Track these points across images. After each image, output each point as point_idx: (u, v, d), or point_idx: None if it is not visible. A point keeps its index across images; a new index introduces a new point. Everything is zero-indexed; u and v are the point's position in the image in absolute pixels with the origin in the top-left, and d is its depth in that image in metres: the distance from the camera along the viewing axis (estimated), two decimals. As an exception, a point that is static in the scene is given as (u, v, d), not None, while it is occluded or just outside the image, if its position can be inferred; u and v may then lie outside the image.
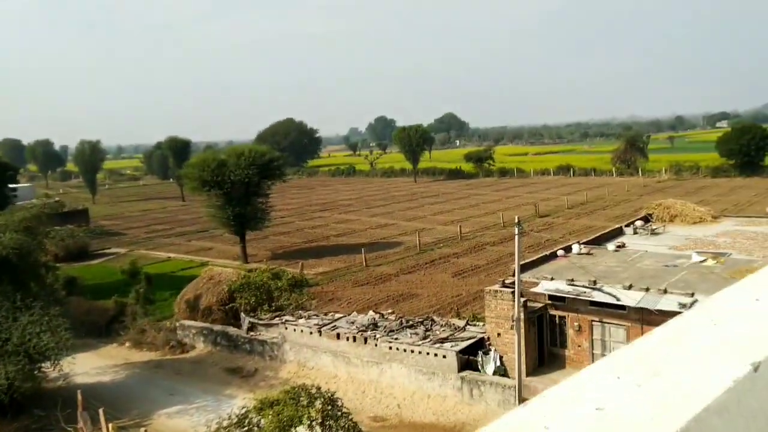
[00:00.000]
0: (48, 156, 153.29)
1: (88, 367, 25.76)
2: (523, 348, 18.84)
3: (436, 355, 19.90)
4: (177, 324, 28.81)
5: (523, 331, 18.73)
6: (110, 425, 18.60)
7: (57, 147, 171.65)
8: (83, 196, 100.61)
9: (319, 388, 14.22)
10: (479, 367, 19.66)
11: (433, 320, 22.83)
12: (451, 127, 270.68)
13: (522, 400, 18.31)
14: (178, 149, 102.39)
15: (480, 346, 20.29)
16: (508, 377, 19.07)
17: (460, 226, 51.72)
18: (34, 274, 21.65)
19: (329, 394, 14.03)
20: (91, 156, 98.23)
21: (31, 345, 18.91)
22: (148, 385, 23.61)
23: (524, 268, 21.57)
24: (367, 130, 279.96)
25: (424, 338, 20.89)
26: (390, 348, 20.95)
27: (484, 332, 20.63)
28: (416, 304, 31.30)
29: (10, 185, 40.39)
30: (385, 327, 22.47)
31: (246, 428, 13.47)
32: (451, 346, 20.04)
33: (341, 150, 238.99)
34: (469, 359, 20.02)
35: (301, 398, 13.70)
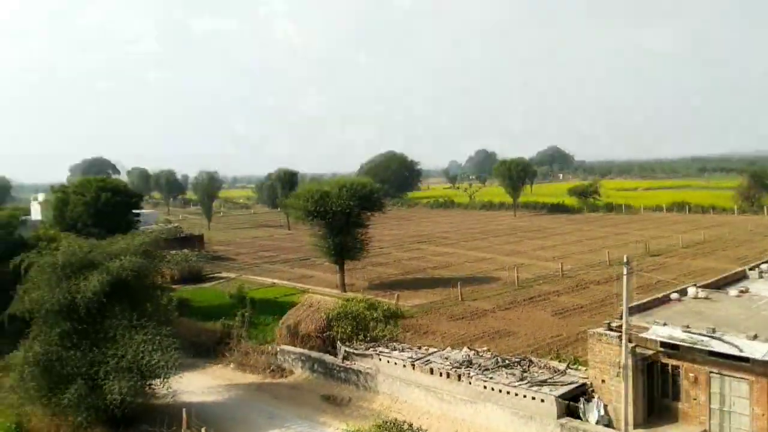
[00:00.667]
0: (170, 184, 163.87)
1: (195, 386, 26.96)
2: (631, 398, 17.80)
3: (533, 398, 19.18)
4: (278, 349, 29.60)
5: (630, 379, 17.72)
6: (211, 445, 19.28)
7: (179, 176, 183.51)
8: (200, 222, 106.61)
9: (411, 425, 14.07)
10: (581, 414, 18.73)
11: (530, 361, 22.09)
12: (554, 160, 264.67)
13: (626, 452, 17.25)
14: (286, 180, 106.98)
15: (582, 392, 19.36)
16: (613, 428, 18.03)
17: (562, 263, 50.09)
18: (149, 296, 23.01)
19: (421, 432, 13.85)
20: (208, 185, 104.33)
21: (143, 362, 20.04)
22: (249, 407, 24.31)
23: (633, 310, 20.48)
24: (467, 163, 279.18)
25: (521, 379, 20.22)
26: (485, 387, 20.43)
27: (587, 378, 19.69)
28: (513, 342, 30.45)
29: (135, 210, 43.35)
30: (480, 365, 21.98)
31: (338, 460, 13.52)
32: (551, 390, 19.25)
33: (441, 182, 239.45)
34: (569, 405, 19.14)
35: (393, 434, 13.61)
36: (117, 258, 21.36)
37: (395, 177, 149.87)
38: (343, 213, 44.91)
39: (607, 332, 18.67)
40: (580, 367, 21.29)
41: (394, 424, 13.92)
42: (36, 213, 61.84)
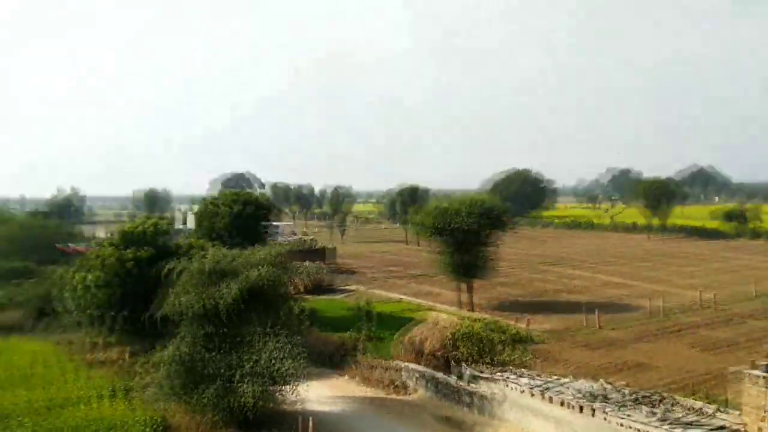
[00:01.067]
0: (308, 198, 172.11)
1: (319, 395, 27.65)
2: (790, 450, 15.87)
3: (675, 440, 17.65)
4: (401, 365, 29.67)
5: (790, 429, 15.82)
6: (335, 456, 19.62)
7: (316, 191, 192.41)
8: (333, 235, 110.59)
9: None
10: (730, 463, 16.99)
11: (673, 400, 20.39)
12: (708, 181, 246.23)
13: None
14: (411, 196, 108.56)
15: (732, 438, 17.56)
16: (768, 482, 16.14)
17: (715, 294, 46.13)
18: (282, 305, 24.04)
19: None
20: (342, 200, 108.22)
21: (274, 369, 20.90)
22: (369, 421, 24.51)
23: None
24: (608, 183, 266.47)
25: (663, 420, 18.67)
26: (620, 425, 19.09)
27: (741, 424, 17.81)
28: (652, 377, 28.35)
29: (273, 223, 45.87)
30: (616, 400, 20.60)
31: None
32: (696, 434, 17.63)
33: (577, 202, 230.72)
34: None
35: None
36: (255, 267, 22.52)
37: (528, 195, 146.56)
38: (468, 231, 44.45)
39: (766, 374, 16.79)
40: (730, 411, 19.32)
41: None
42: (190, 222, 67.19)
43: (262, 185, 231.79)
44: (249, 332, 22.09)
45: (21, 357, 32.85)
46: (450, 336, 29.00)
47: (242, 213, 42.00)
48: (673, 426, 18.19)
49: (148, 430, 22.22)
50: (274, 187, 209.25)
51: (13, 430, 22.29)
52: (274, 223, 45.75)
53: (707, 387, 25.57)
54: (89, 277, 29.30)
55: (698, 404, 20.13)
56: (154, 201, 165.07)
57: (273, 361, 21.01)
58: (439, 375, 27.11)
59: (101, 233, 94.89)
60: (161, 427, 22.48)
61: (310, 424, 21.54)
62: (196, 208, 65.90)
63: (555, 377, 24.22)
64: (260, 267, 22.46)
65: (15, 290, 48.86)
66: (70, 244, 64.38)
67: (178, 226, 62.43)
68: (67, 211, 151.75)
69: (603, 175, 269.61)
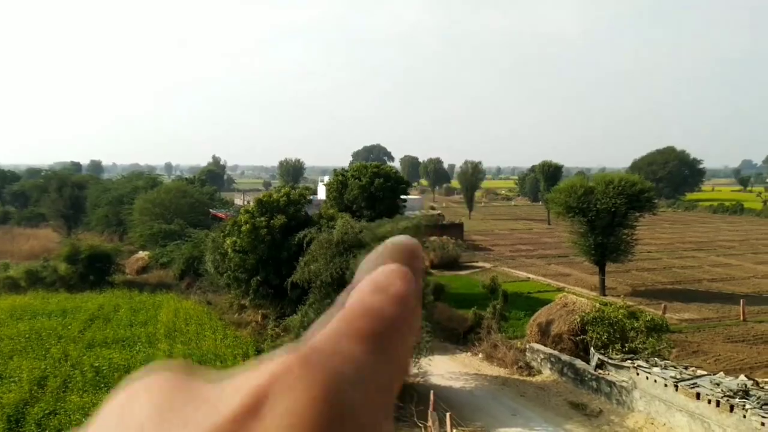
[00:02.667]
0: (437, 173, 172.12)
1: (443, 369, 27.90)
2: None
3: (830, 449, 15.97)
4: (527, 346, 29.14)
5: None
6: (454, 431, 19.75)
7: (446, 165, 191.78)
8: (462, 211, 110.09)
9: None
10: None
11: (830, 404, 18.41)
12: None
13: None
14: (549, 173, 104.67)
15: None
16: None
17: None
18: (409, 278, 24.29)
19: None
20: (472, 175, 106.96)
21: (398, 341, 21.28)
22: (493, 400, 24.36)
23: None
24: (765, 164, 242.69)
25: (816, 424, 16.96)
26: (763, 424, 17.56)
27: None
28: (808, 378, 25.72)
29: (402, 196, 46.33)
30: (758, 398, 18.94)
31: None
32: None
33: (729, 184, 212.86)
34: None
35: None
36: (382, 240, 22.90)
37: (672, 176, 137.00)
38: (608, 211, 42.29)
39: None
40: None
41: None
42: (321, 193, 69.60)
43: (392, 158, 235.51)
44: (374, 303, 22.60)
45: (168, 313, 35.92)
46: (579, 319, 28.06)
47: (370, 185, 42.77)
48: (829, 433, 16.45)
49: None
50: (403, 160, 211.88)
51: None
52: (402, 197, 46.12)
53: None
54: (227, 241, 31.29)
55: None
56: (299, 172, 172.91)
57: (397, 333, 21.37)
58: (566, 358, 26.35)
59: (239, 201, 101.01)
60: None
61: (431, 396, 21.80)
62: (326, 179, 68.29)
63: (691, 369, 22.68)
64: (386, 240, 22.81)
65: (172, 250, 53.29)
66: (211, 210, 69.17)
67: (321, 196, 64.91)
68: (218, 178, 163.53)
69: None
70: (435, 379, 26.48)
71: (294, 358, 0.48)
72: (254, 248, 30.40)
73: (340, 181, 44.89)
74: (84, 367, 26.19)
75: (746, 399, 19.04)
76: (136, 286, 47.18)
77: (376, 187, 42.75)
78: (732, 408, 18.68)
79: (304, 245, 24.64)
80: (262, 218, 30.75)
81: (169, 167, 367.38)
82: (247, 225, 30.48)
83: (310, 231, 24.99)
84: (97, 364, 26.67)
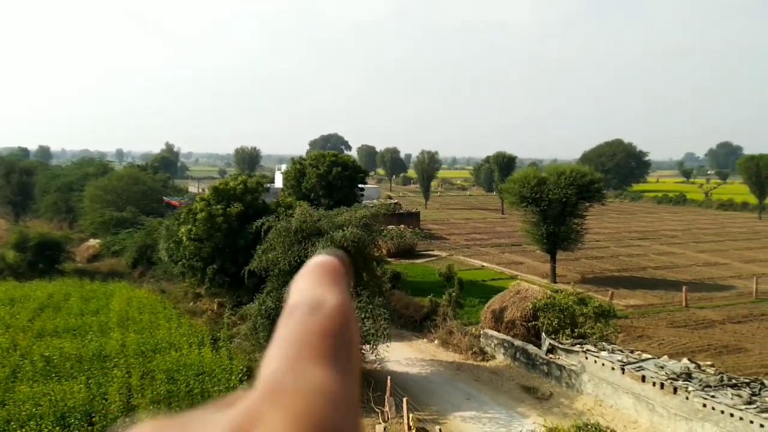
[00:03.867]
0: (394, 162, 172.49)
1: (400, 356, 28.32)
2: None
3: (762, 426, 16.97)
4: (481, 332, 29.82)
5: None
6: (411, 415, 20.16)
7: (402, 155, 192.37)
8: (418, 200, 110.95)
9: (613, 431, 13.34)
10: (822, 453, 16.20)
11: (762, 384, 19.53)
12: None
13: None
14: (503, 164, 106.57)
15: (826, 428, 16.69)
16: None
17: (817, 278, 43.23)
18: (366, 266, 24.54)
19: (625, 441, 13.05)
20: (429, 165, 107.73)
21: (355, 328, 21.54)
22: (448, 384, 24.91)
23: None
24: (707, 157, 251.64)
25: (749, 403, 17.98)
26: (704, 405, 18.54)
27: (834, 413, 16.92)
28: (743, 360, 27.13)
29: (360, 185, 46.52)
30: (700, 380, 19.96)
31: (532, 453, 13.33)
32: (785, 420, 16.87)
33: (673, 176, 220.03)
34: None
35: (594, 437, 13.03)
36: (340, 228, 23.10)
37: (620, 167, 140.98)
38: (560, 201, 43.43)
39: None
40: (827, 401, 18.32)
41: (596, 428, 13.30)
42: (278, 182, 69.16)
43: (349, 147, 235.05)
44: (332, 291, 22.74)
45: (121, 302, 35.29)
46: (531, 306, 28.86)
47: (328, 174, 42.81)
48: (761, 410, 17.48)
49: (233, 378, 23.56)
50: (360, 149, 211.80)
51: (109, 371, 24.20)
52: (360, 186, 46.30)
53: (803, 374, 24.19)
54: (182, 230, 30.94)
55: (791, 391, 19.20)
56: (254, 159, 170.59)
57: (354, 320, 21.60)
58: (519, 343, 27.11)
59: (193, 188, 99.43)
60: (246, 376, 23.78)
61: (389, 382, 22.18)
62: (284, 167, 67.79)
63: (637, 353, 23.68)
64: (344, 228, 22.99)
65: (125, 238, 52.24)
66: (164, 198, 68.01)
67: (278, 185, 64.49)
68: (171, 165, 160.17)
69: (714, 152, 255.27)
70: (392, 366, 26.88)
71: (265, 397, 0.50)
72: (210, 236, 30.13)
73: (298, 170, 44.79)
74: (33, 357, 25.57)
75: (689, 381, 20.03)
76: (87, 274, 46.14)
77: (333, 176, 42.83)
78: (675, 390, 19.62)
79: (262, 233, 24.57)
80: (219, 206, 30.49)
81: (120, 154, 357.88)
82: (203, 213, 30.18)
83: (267, 219, 24.90)
84: (47, 354, 26.07)
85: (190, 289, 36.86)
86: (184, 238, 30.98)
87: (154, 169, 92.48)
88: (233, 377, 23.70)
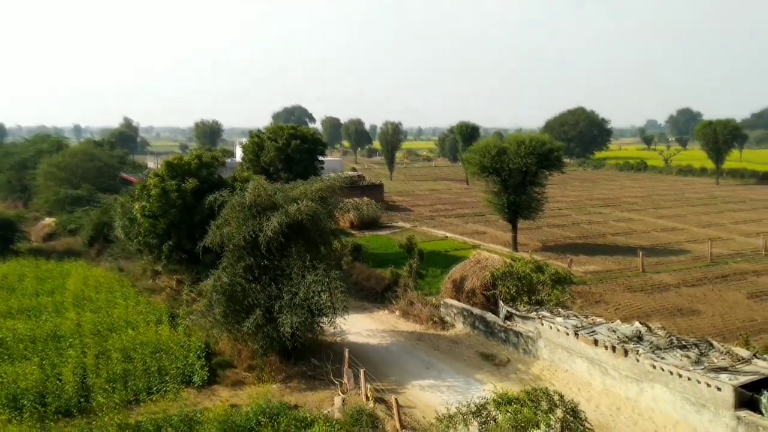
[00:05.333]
0: (359, 134, 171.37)
1: (360, 328, 28.41)
2: (827, 399, 15.53)
3: (708, 385, 17.46)
4: (441, 302, 30.02)
5: (829, 378, 15.44)
6: (368, 386, 20.25)
7: (367, 127, 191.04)
8: (383, 172, 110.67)
9: (561, 396, 13.54)
10: (762, 409, 16.74)
11: (710, 344, 20.06)
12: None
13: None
14: (466, 134, 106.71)
15: (766, 385, 17.24)
16: (802, 430, 15.89)
17: (767, 240, 44.51)
18: (323, 239, 24.34)
19: (572, 405, 13.26)
20: (392, 136, 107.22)
21: (313, 301, 21.43)
22: (408, 355, 25.08)
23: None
24: (667, 123, 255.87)
25: (696, 363, 18.46)
26: (654, 367, 18.99)
27: (776, 370, 17.48)
28: (696, 322, 27.92)
29: (320, 158, 46.02)
30: (651, 342, 20.42)
31: (483, 419, 13.48)
32: (729, 379, 17.37)
33: (634, 143, 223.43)
34: (753, 398, 17.18)
35: (542, 402, 13.21)
36: (295, 202, 22.80)
37: (582, 135, 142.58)
38: (520, 171, 43.68)
39: (807, 324, 16.30)
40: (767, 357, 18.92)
41: (543, 392, 13.51)
42: (240, 156, 68.11)
43: (313, 119, 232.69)
44: (289, 265, 22.55)
45: (77, 281, 34.56)
46: (490, 274, 29.11)
47: (286, 147, 42.20)
48: (707, 370, 17.98)
49: (191, 355, 23.34)
50: (324, 121, 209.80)
51: (64, 351, 23.74)
52: (320, 158, 45.81)
53: (750, 333, 25.01)
54: (136, 206, 30.28)
55: (736, 350, 19.77)
56: (216, 133, 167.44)
57: (311, 294, 21.48)
58: (477, 311, 27.37)
59: (152, 164, 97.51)
60: (204, 353, 23.58)
61: (346, 354, 22.22)
62: (245, 141, 66.71)
63: (591, 317, 24.11)
64: (299, 202, 22.69)
65: (80, 217, 51.03)
66: (122, 174, 66.51)
67: (239, 159, 63.48)
68: (130, 141, 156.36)
69: (674, 118, 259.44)
70: (352, 338, 26.96)
71: None
72: (165, 213, 29.55)
73: (256, 143, 44.07)
74: (-15, 339, 25.00)
75: (639, 344, 20.47)
76: (42, 254, 45.06)
77: (292, 149, 42.26)
78: (626, 353, 20.04)
79: (216, 209, 24.14)
80: (173, 182, 29.85)
81: (78, 129, 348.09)
82: (157, 189, 29.53)
83: (221, 194, 24.43)
84: (0, 336, 25.51)
85: (149, 266, 36.27)
86: (139, 215, 30.34)
87: (111, 144, 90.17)
88: (191, 354, 23.49)
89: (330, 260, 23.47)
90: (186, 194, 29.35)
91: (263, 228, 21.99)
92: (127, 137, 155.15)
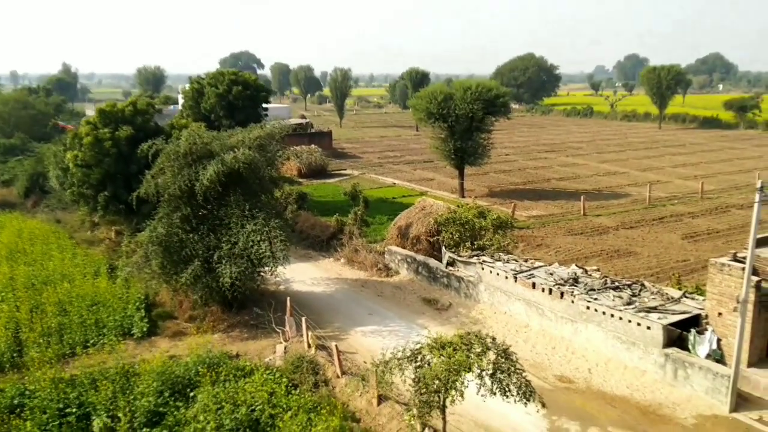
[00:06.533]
0: (309, 81, 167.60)
1: (305, 276, 28.32)
2: (748, 334, 16.28)
3: (639, 324, 18.09)
4: (386, 249, 30.08)
5: (750, 315, 16.14)
6: (310, 333, 20.26)
7: (318, 73, 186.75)
8: (334, 119, 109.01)
9: (494, 339, 13.75)
10: (689, 346, 17.49)
11: (643, 285, 20.72)
12: (714, 69, 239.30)
13: (737, 392, 16.02)
14: (416, 80, 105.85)
15: (695, 323, 17.97)
16: (724, 364, 16.69)
17: (703, 183, 46.02)
18: (263, 188, 23.81)
19: (504, 347, 13.49)
20: (342, 83, 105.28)
21: (252, 251, 21.09)
22: (352, 302, 25.18)
23: (765, 243, 18.44)
24: (615, 69, 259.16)
25: (628, 303, 19.08)
26: (587, 308, 19.55)
27: (702, 309, 18.21)
28: (632, 263, 28.81)
29: (264, 105, 44.76)
30: (586, 284, 20.97)
31: (418, 364, 13.60)
32: (658, 318, 18.02)
33: (583, 89, 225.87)
34: (681, 335, 17.91)
35: (474, 346, 13.39)
36: (232, 150, 22.14)
37: (532, 81, 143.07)
38: (467, 117, 43.57)
39: (731, 263, 16.91)
40: (697, 297, 19.69)
41: (476, 335, 13.71)
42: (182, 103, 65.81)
43: (261, 65, 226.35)
44: (228, 215, 22.06)
45: (11, 234, 33.22)
46: (432, 221, 29.23)
47: (228, 93, 40.87)
48: (638, 310, 18.59)
49: (130, 307, 22.86)
50: (273, 68, 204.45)
51: (-3, 306, 22.91)
52: (264, 105, 44.59)
53: (682, 273, 25.96)
54: (68, 155, 29.00)
55: (667, 290, 20.49)
56: (159, 80, 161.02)
57: (251, 244, 21.11)
58: (420, 258, 27.55)
59: (91, 112, 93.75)
60: (144, 305, 23.12)
61: (288, 302, 22.12)
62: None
63: (530, 261, 24.55)
64: (236, 150, 22.04)
65: (14, 167, 48.81)
66: (60, 122, 63.69)
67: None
68: (70, 88, 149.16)
69: (621, 64, 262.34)
70: (297, 286, 26.87)
71: None
72: (99, 162, 28.40)
73: (197, 90, 42.51)
74: None
75: (575, 286, 20.99)
76: (-28, 207, 43.10)
77: (234, 96, 40.94)
78: (562, 295, 20.54)
79: (151, 158, 23.25)
80: (106, 130, 28.61)
81: (15, 76, 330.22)
82: (89, 137, 28.27)
83: (155, 142, 23.50)
84: (-76, 293, 24.41)
85: (87, 217, 35.09)
86: (71, 165, 29.08)
87: (47, 91, 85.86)
88: (130, 306, 23.02)
89: (270, 209, 23.03)
90: (120, 143, 28.21)
91: (199, 177, 21.35)
92: (66, 84, 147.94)
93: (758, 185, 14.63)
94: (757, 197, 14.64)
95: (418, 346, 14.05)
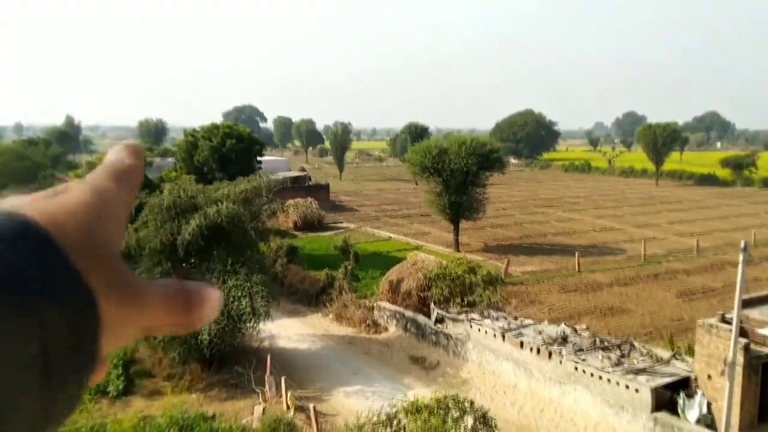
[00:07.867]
0: (310, 134, 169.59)
1: (291, 332, 27.73)
2: (738, 399, 15.69)
3: (627, 387, 17.49)
4: (375, 304, 29.58)
5: (740, 378, 15.59)
6: (289, 394, 19.64)
7: (320, 127, 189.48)
8: (333, 172, 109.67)
9: (472, 403, 13.24)
10: (679, 410, 16.85)
11: (632, 345, 20.17)
12: (711, 127, 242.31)
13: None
14: (416, 134, 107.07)
15: (684, 386, 17.38)
16: (715, 430, 16.02)
17: (698, 240, 45.66)
18: (248, 242, 23.56)
19: (482, 412, 12.96)
20: (342, 136, 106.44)
21: (232, 307, 20.67)
22: (338, 360, 24.53)
23: (755, 303, 18.01)
24: (613, 126, 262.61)
25: (617, 364, 18.51)
26: (576, 369, 18.97)
27: (692, 371, 17.63)
28: (626, 321, 28.21)
29: (259, 158, 45.01)
30: (575, 344, 20.43)
31: (393, 429, 13.05)
32: (647, 380, 17.44)
33: (581, 145, 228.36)
34: (672, 398, 17.28)
35: (452, 410, 12.86)
36: (216, 204, 22.00)
37: (530, 136, 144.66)
38: (461, 171, 43.65)
39: (720, 324, 16.44)
40: (687, 359, 19.12)
41: (454, 399, 13.19)
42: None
43: (264, 118, 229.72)
44: (210, 270, 21.74)
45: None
46: (423, 276, 28.83)
47: (221, 146, 41.13)
48: (627, 371, 18.02)
49: (107, 364, 22.24)
50: (276, 121, 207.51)
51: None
52: (259, 158, 44.83)
53: (676, 332, 25.37)
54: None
55: (656, 351, 19.94)
56: (161, 132, 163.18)
57: (232, 299, 20.71)
58: (409, 314, 27.03)
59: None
60: (122, 362, 22.53)
61: (269, 360, 21.55)
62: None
63: (519, 319, 24.04)
64: (219, 203, 21.89)
65: None
66: (58, 174, 64.04)
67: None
68: (71, 139, 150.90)
69: (620, 121, 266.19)
70: (282, 342, 26.27)
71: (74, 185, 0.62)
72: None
73: (190, 142, 42.80)
74: None
75: (564, 345, 20.45)
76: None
77: (228, 149, 41.19)
78: (550, 354, 19.99)
79: (133, 211, 23.10)
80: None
81: (19, 128, 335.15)
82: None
83: (137, 195, 23.38)
84: None
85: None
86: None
87: (46, 143, 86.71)
88: (110, 362, 22.42)
89: (253, 264, 22.70)
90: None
91: (181, 231, 21.13)
92: (68, 136, 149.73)
93: (742, 245, 14.34)
94: (741, 257, 14.32)
95: (393, 410, 13.51)
